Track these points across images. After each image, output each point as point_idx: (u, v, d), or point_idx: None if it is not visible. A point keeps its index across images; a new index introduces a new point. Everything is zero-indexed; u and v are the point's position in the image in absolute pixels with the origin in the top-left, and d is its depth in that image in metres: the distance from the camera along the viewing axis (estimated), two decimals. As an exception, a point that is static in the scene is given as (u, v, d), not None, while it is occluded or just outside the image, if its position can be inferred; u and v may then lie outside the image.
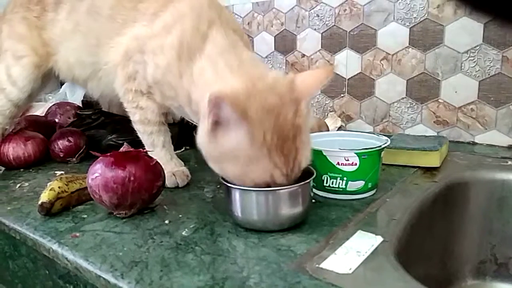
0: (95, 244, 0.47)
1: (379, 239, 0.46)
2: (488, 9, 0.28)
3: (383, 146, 0.57)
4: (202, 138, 0.48)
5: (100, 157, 0.53)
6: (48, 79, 0.76)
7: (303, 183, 0.48)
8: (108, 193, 0.51)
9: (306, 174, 0.50)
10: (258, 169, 0.46)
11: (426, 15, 0.86)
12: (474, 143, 0.85)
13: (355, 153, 0.55)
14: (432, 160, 0.69)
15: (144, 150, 0.56)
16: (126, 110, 0.66)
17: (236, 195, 0.48)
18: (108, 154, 0.53)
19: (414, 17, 0.87)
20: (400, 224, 0.52)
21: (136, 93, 0.63)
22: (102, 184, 0.51)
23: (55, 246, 0.48)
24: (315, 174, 0.51)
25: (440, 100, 0.87)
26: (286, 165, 0.46)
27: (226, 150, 0.46)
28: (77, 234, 0.50)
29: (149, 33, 0.59)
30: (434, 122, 0.89)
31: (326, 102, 1.04)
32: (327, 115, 1.03)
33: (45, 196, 0.55)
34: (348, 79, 1.00)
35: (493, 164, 0.72)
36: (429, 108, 0.89)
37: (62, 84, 1.16)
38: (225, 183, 0.49)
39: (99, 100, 0.88)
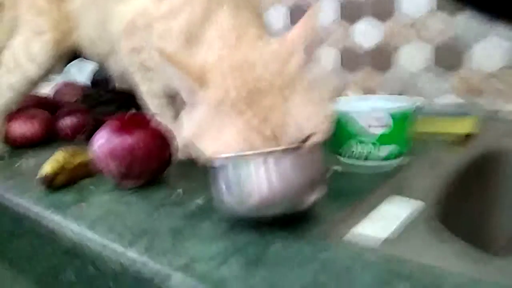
0: (101, 215, 0.43)
1: (416, 203, 0.41)
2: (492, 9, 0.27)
3: (416, 107, 0.51)
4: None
5: (106, 123, 0.49)
6: (67, 55, 0.72)
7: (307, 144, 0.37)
8: (114, 162, 0.47)
9: None
10: (228, 137, 0.36)
11: (454, -26, 0.79)
12: (509, 111, 0.78)
13: (388, 113, 0.49)
14: (466, 126, 0.63)
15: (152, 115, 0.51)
16: (135, 81, 0.62)
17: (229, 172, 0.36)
18: (114, 117, 0.48)
19: (439, -21, 0.81)
20: (437, 190, 0.46)
21: (141, 66, 0.58)
22: (108, 152, 0.47)
23: (58, 218, 0.44)
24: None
25: (470, 67, 0.81)
26: (265, 125, 0.36)
27: (197, 125, 0.39)
28: (82, 205, 0.46)
29: (156, 13, 0.53)
30: (464, 91, 0.82)
31: (344, 76, 0.99)
32: (346, 88, 0.97)
33: (47, 168, 0.51)
34: (368, 50, 0.94)
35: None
36: (458, 76, 0.83)
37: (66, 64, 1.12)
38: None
39: (118, 77, 0.84)
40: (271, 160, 0.34)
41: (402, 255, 0.31)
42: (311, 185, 0.36)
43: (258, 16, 0.53)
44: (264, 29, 0.50)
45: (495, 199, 0.63)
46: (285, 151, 0.35)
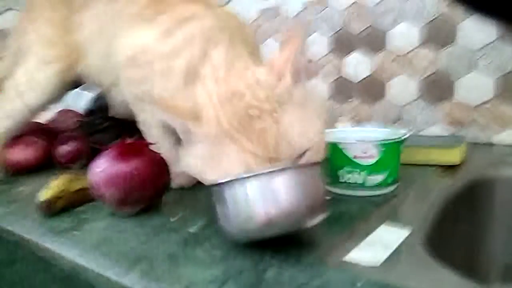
0: (96, 242, 0.44)
1: (405, 232, 0.43)
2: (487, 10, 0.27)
3: (403, 138, 0.53)
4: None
5: (103, 151, 0.50)
6: (70, 85, 0.74)
7: (304, 164, 0.38)
8: (111, 189, 0.48)
9: None
10: (226, 163, 0.39)
11: (438, 13, 0.84)
12: (491, 144, 0.81)
13: (374, 144, 0.51)
14: (452, 157, 0.66)
15: (149, 143, 0.53)
16: (133, 111, 0.63)
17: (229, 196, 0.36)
18: (111, 146, 0.49)
19: (425, 17, 0.85)
20: (426, 219, 0.48)
21: (138, 98, 0.60)
22: (105, 179, 0.48)
23: (53, 245, 0.45)
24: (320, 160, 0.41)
25: (454, 100, 0.84)
26: (261, 146, 0.38)
27: (195, 160, 0.42)
28: (76, 233, 0.46)
29: (158, 52, 0.55)
30: (449, 123, 0.86)
31: (335, 107, 1.02)
32: (337, 120, 1.00)
33: (46, 193, 0.51)
34: (358, 83, 0.97)
35: (516, 161, 0.68)
36: (443, 109, 0.86)
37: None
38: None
39: (116, 106, 0.85)
40: (276, 179, 0.35)
41: (392, 282, 0.33)
42: (315, 202, 0.37)
43: (252, 49, 0.55)
44: (257, 59, 0.52)
45: (485, 227, 0.64)
46: (285, 169, 0.36)
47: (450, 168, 0.65)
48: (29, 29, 0.71)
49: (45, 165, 0.78)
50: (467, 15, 0.80)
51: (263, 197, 0.35)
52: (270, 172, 0.35)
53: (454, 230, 0.57)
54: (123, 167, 0.48)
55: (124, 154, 0.49)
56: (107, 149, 0.50)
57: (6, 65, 0.75)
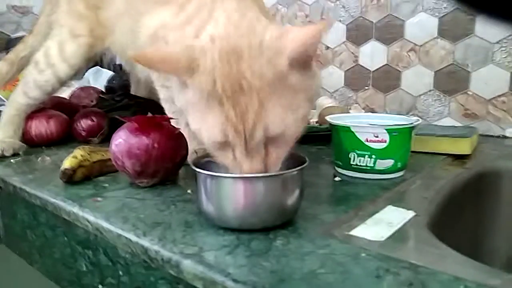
0: (116, 208, 0.46)
1: (411, 213, 0.44)
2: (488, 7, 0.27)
3: (414, 124, 0.54)
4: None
5: (124, 124, 0.52)
6: (94, 60, 0.77)
7: (288, 171, 0.40)
8: (131, 160, 0.50)
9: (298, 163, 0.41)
10: (210, 124, 0.40)
11: (456, 5, 0.83)
12: (504, 137, 0.82)
13: (385, 129, 0.53)
14: (463, 147, 0.67)
15: (169, 118, 0.55)
16: (155, 88, 0.65)
17: (206, 183, 0.40)
18: (132, 119, 0.52)
19: (444, 7, 0.85)
20: (432, 203, 0.49)
21: (159, 74, 0.62)
22: (125, 150, 0.50)
23: (75, 209, 0.47)
24: (307, 162, 0.42)
25: (469, 92, 0.85)
26: (241, 120, 0.39)
27: (186, 103, 0.43)
28: (99, 199, 0.49)
29: (173, 24, 0.58)
30: (462, 115, 0.86)
31: (350, 95, 1.02)
32: (350, 107, 1.01)
33: (67, 163, 0.54)
34: (373, 71, 0.98)
35: (527, 155, 0.69)
36: (457, 100, 0.86)
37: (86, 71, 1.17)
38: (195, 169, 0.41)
39: (135, 84, 0.88)
40: (246, 184, 0.39)
41: (393, 255, 0.34)
42: (281, 208, 0.40)
43: (265, 12, 0.55)
44: (266, 13, 0.52)
45: (490, 218, 0.65)
46: (260, 177, 0.39)
47: (460, 158, 0.66)
48: (62, 3, 0.74)
49: (65, 139, 0.81)
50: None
51: (233, 198, 0.39)
52: (242, 177, 0.39)
53: (459, 218, 0.58)
54: (143, 139, 0.50)
55: (144, 127, 0.51)
56: (128, 122, 0.52)
57: (35, 39, 0.78)
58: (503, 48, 0.79)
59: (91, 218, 0.45)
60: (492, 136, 0.82)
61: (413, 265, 0.32)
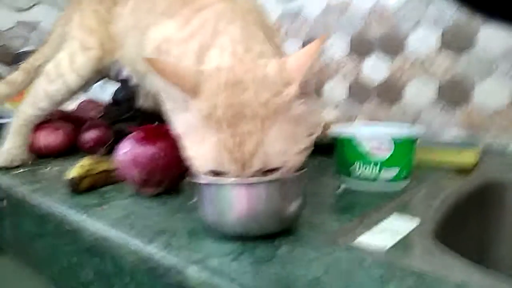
0: (122, 216, 0.47)
1: (416, 221, 0.44)
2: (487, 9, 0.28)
3: (418, 132, 0.55)
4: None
5: (131, 134, 0.53)
6: (104, 72, 0.78)
7: (288, 175, 0.40)
8: (137, 168, 0.51)
9: None
10: (205, 151, 0.40)
11: (457, 19, 0.84)
12: (507, 150, 0.81)
13: (390, 138, 0.53)
14: (467, 158, 0.67)
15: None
16: (161, 99, 0.66)
17: (205, 191, 0.40)
18: (139, 128, 0.52)
19: (446, 21, 0.86)
20: (437, 212, 0.49)
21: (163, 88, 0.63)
22: (131, 159, 0.51)
23: (82, 217, 0.48)
24: (306, 168, 0.42)
25: (472, 105, 0.85)
26: (238, 148, 0.38)
27: (184, 127, 0.43)
28: (104, 207, 0.50)
29: (177, 38, 0.59)
30: (466, 127, 0.86)
31: (353, 108, 1.03)
32: (355, 119, 1.01)
33: (74, 172, 0.55)
34: (376, 85, 0.99)
35: (531, 167, 0.69)
36: (460, 113, 0.87)
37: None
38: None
39: (143, 96, 0.89)
40: (249, 190, 0.38)
41: (398, 263, 0.34)
42: (281, 215, 0.40)
43: (269, 32, 0.56)
44: (274, 44, 0.52)
45: (495, 229, 0.65)
46: (260, 182, 0.38)
47: (463, 170, 0.66)
48: (75, 17, 0.76)
49: (71, 150, 0.82)
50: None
51: (233, 204, 0.39)
52: (242, 183, 0.38)
53: (464, 227, 0.58)
54: (148, 149, 0.51)
55: (149, 137, 0.52)
56: (134, 132, 0.53)
57: (49, 50, 0.80)
58: (506, 60, 0.80)
59: (97, 225, 0.45)
60: (495, 149, 0.82)
61: (418, 272, 0.33)
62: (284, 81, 0.40)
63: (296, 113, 0.40)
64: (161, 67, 0.40)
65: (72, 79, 0.73)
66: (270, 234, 0.39)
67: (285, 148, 0.39)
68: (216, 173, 0.40)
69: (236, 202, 0.38)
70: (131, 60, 0.71)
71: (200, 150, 0.40)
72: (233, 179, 0.39)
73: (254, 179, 0.39)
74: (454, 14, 0.85)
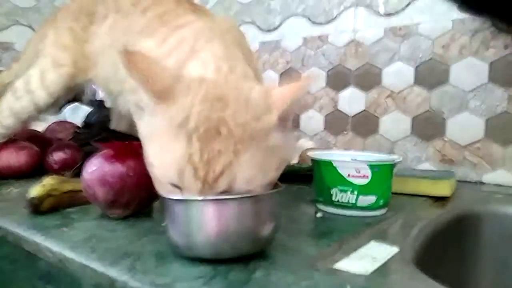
0: (83, 238, 0.43)
1: (395, 249, 0.43)
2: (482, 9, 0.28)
3: (396, 161, 0.54)
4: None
5: (99, 152, 0.50)
6: (74, 91, 0.76)
7: (262, 193, 0.37)
8: (104, 188, 0.48)
9: None
10: (167, 161, 0.37)
11: (432, 55, 0.87)
12: (481, 183, 0.82)
13: (368, 164, 0.52)
14: (443, 189, 0.67)
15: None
16: (134, 120, 0.64)
17: (173, 208, 0.37)
18: (108, 145, 0.50)
19: (420, 57, 0.89)
20: (416, 241, 0.48)
21: (137, 105, 0.61)
22: (98, 178, 0.48)
23: (39, 239, 0.44)
24: (282, 187, 0.40)
25: (445, 139, 0.86)
26: (205, 167, 0.35)
27: (148, 131, 0.40)
28: (65, 229, 0.46)
29: (155, 55, 0.58)
30: (439, 161, 0.87)
31: (329, 139, 1.03)
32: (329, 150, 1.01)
33: (34, 192, 0.51)
34: (352, 116, 1.00)
35: (504, 199, 0.69)
36: (434, 146, 0.88)
37: (63, 106, 1.15)
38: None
39: (116, 119, 0.86)
40: (220, 207, 0.36)
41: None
42: (254, 235, 0.37)
43: (246, 52, 0.55)
44: (252, 68, 0.51)
45: (472, 261, 0.64)
46: (233, 199, 0.36)
47: (440, 200, 0.66)
48: (49, 34, 0.74)
49: (36, 172, 0.77)
50: (460, 57, 0.84)
51: (200, 224, 0.36)
52: (212, 200, 0.36)
53: (441, 259, 0.57)
54: (118, 167, 0.48)
55: (119, 155, 0.49)
56: (103, 150, 0.50)
57: (20, 67, 0.77)
58: (477, 96, 0.82)
59: (54, 248, 0.41)
60: (469, 182, 0.83)
61: (401, 298, 0.31)
62: (266, 107, 0.38)
63: (271, 143, 0.38)
64: (132, 60, 0.37)
65: (41, 96, 0.70)
66: (243, 256, 0.37)
67: (253, 176, 0.37)
68: (177, 187, 0.37)
69: (206, 221, 0.36)
70: (105, 80, 0.69)
71: (163, 159, 0.37)
72: (200, 196, 0.36)
73: (226, 196, 0.36)
74: (428, 50, 0.88)
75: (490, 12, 0.28)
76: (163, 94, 0.37)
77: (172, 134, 0.36)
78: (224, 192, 0.36)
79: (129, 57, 0.38)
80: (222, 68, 0.46)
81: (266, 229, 0.38)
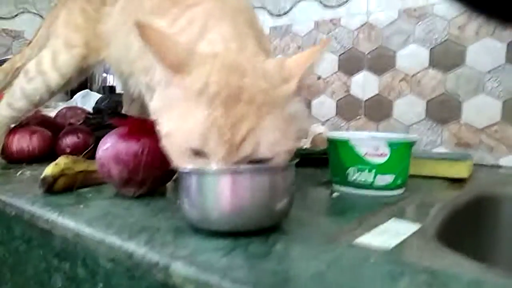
0: (100, 215, 0.43)
1: (416, 225, 0.42)
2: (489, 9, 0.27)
3: (415, 139, 0.53)
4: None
5: (114, 130, 0.50)
6: (86, 72, 0.75)
7: (277, 165, 0.37)
8: (119, 166, 0.47)
9: None
10: (190, 125, 0.36)
11: (447, 36, 0.85)
12: (498, 166, 0.81)
13: (387, 142, 0.51)
14: (460, 170, 0.65)
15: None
16: (145, 101, 0.63)
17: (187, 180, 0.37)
18: (123, 122, 0.49)
19: (435, 38, 0.87)
20: (436, 219, 0.47)
21: (148, 86, 0.61)
22: (113, 156, 0.47)
23: (54, 216, 0.43)
24: (296, 160, 0.39)
25: (461, 122, 0.85)
26: (230, 129, 0.35)
27: (165, 102, 0.39)
28: (80, 206, 0.45)
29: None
30: (455, 144, 0.86)
31: (341, 125, 1.02)
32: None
33: (48, 170, 0.51)
34: (365, 101, 0.98)
35: (524, 181, 0.68)
36: (450, 130, 0.86)
37: (73, 93, 1.15)
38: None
39: (126, 103, 0.86)
40: (235, 178, 0.35)
41: (405, 260, 0.32)
42: (270, 207, 0.36)
43: (258, 33, 0.54)
44: (264, 47, 0.50)
45: (491, 243, 0.63)
46: (248, 170, 0.35)
47: (457, 182, 0.65)
48: (61, 15, 0.73)
49: (48, 156, 0.77)
50: (476, 38, 0.82)
51: (218, 196, 0.35)
52: (230, 170, 0.35)
53: (459, 240, 0.55)
54: (132, 145, 0.47)
55: (133, 132, 0.48)
56: (117, 128, 0.50)
57: (32, 51, 0.76)
58: (494, 78, 0.80)
59: (70, 224, 0.41)
60: (486, 165, 0.81)
61: (429, 269, 0.30)
62: (283, 77, 0.39)
63: (291, 110, 0.39)
64: (148, 34, 0.37)
65: (53, 77, 0.69)
66: (261, 230, 0.36)
67: (276, 141, 0.37)
68: (197, 153, 0.36)
69: (221, 192, 0.35)
70: (117, 60, 0.68)
71: (183, 126, 0.36)
72: (219, 167, 0.35)
73: (247, 167, 0.35)
74: (444, 31, 0.86)
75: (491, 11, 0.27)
76: (178, 66, 0.37)
77: (192, 102, 0.36)
78: (247, 157, 0.36)
79: (144, 29, 0.38)
80: (231, 48, 0.45)
81: (282, 202, 0.37)
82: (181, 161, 0.38)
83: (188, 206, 0.37)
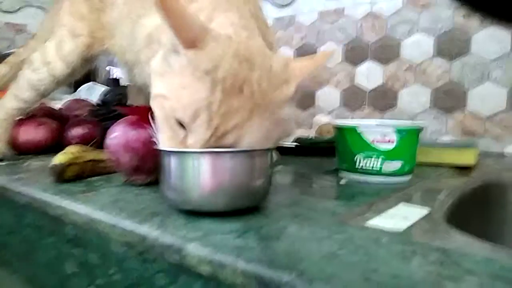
0: (111, 201, 0.43)
1: (425, 210, 0.42)
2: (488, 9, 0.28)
3: (422, 126, 0.53)
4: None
5: (121, 119, 0.50)
6: (90, 62, 0.75)
7: (257, 148, 0.38)
8: (128, 153, 0.47)
9: None
10: (185, 97, 0.36)
11: (452, 25, 0.85)
12: (503, 155, 0.81)
13: (395, 128, 0.51)
14: (467, 158, 0.65)
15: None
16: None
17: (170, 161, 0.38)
18: (132, 109, 0.49)
19: (440, 28, 0.87)
20: (444, 205, 0.47)
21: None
22: (122, 144, 0.47)
23: (66, 202, 0.44)
24: (273, 148, 0.41)
25: (467, 110, 0.85)
26: (221, 117, 0.36)
27: (167, 67, 0.39)
28: (91, 193, 0.46)
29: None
30: (461, 133, 0.86)
31: (346, 115, 1.02)
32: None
33: (57, 159, 0.51)
34: (370, 91, 0.98)
35: (530, 169, 0.68)
36: (455, 118, 0.86)
37: (77, 86, 1.15)
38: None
39: (132, 94, 0.86)
40: (216, 159, 0.36)
41: (416, 240, 0.32)
42: (248, 188, 0.38)
43: (263, 29, 0.54)
44: (268, 41, 0.51)
45: (498, 229, 0.63)
46: (227, 153, 0.37)
47: (464, 170, 0.65)
48: (65, 5, 0.73)
49: (55, 147, 0.77)
50: (482, 26, 0.81)
51: (197, 176, 0.36)
52: (210, 152, 0.36)
53: (468, 224, 0.56)
54: (142, 132, 0.47)
55: (143, 120, 0.48)
56: (126, 116, 0.50)
57: (37, 43, 0.76)
58: (500, 66, 0.80)
59: (83, 210, 0.41)
60: (491, 153, 0.82)
61: (441, 248, 0.30)
62: (286, 78, 0.40)
63: (283, 113, 0.40)
64: (168, 5, 0.36)
65: (58, 66, 0.69)
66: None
67: (257, 140, 0.38)
68: (181, 124, 0.37)
69: (203, 173, 0.36)
70: (122, 50, 0.69)
71: (180, 95, 0.37)
72: (197, 146, 0.37)
73: (227, 150, 0.37)
74: (448, 19, 0.85)
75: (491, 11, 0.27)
76: (192, 41, 0.37)
77: (196, 78, 0.36)
78: (225, 147, 0.37)
79: (164, 1, 0.37)
80: (243, 35, 0.45)
81: (259, 183, 0.38)
82: (163, 126, 0.39)
83: (167, 187, 0.38)
